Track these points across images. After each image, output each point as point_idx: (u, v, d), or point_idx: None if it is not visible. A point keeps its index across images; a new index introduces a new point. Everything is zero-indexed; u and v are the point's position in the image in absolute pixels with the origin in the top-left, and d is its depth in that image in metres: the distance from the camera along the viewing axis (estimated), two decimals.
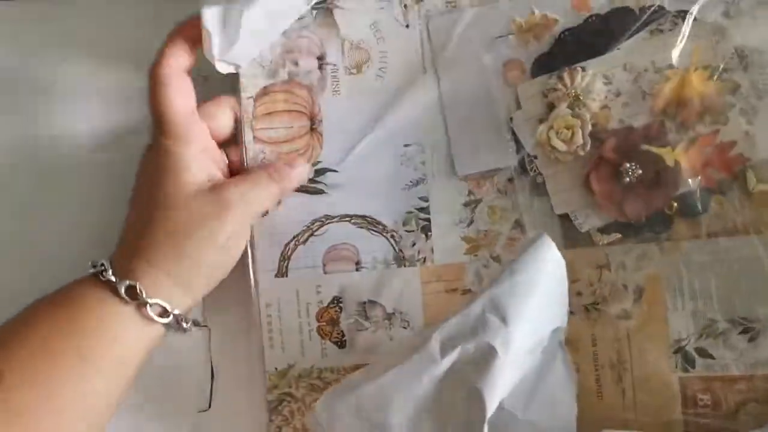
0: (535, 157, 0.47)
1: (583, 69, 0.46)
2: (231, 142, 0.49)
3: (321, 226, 0.49)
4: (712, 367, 0.45)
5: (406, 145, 0.49)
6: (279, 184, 0.46)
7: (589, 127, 0.46)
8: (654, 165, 0.45)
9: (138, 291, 0.41)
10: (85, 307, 0.41)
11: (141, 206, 0.44)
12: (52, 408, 0.39)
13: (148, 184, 0.44)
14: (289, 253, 0.49)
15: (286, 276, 0.49)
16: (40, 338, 0.40)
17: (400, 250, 0.49)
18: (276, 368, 0.49)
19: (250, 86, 0.49)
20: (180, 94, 0.44)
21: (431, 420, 0.39)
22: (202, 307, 0.49)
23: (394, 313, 0.48)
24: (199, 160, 0.44)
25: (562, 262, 0.41)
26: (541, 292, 0.40)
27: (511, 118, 0.47)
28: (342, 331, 0.49)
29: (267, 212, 0.48)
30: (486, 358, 0.39)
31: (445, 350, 0.39)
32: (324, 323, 0.49)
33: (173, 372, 0.49)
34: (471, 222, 0.48)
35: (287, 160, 0.48)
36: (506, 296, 0.39)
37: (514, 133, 0.47)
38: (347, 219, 0.49)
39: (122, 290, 0.41)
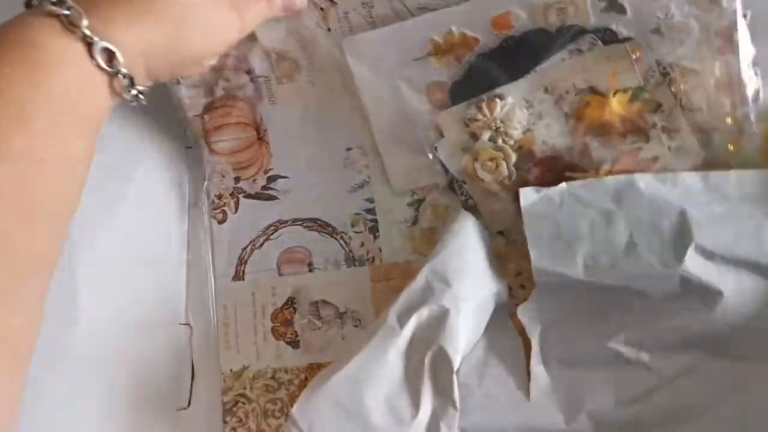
0: (464, 182, 0.48)
1: (501, 98, 0.45)
2: None
3: (275, 230, 0.51)
4: None
5: (348, 149, 0.50)
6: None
7: (513, 159, 0.46)
8: None
9: (83, 27, 0.33)
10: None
11: None
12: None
13: None
14: (245, 258, 0.51)
15: (243, 279, 0.51)
16: None
17: (350, 251, 0.50)
18: (231, 369, 0.51)
19: (192, 105, 0.51)
20: None
21: (405, 390, 0.42)
22: (185, 305, 0.51)
23: (345, 312, 0.50)
24: None
25: (481, 227, 0.45)
26: (471, 252, 0.44)
27: (435, 147, 0.48)
28: (296, 332, 0.50)
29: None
30: (440, 318, 0.42)
31: (402, 321, 0.42)
32: (278, 324, 0.51)
33: (152, 370, 0.49)
34: (416, 221, 0.49)
35: None
36: (444, 263, 0.43)
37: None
38: (299, 223, 0.51)
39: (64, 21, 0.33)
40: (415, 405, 0.42)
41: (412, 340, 0.42)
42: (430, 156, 0.48)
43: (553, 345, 0.44)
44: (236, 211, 0.52)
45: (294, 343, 0.50)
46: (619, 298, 0.42)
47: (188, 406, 0.50)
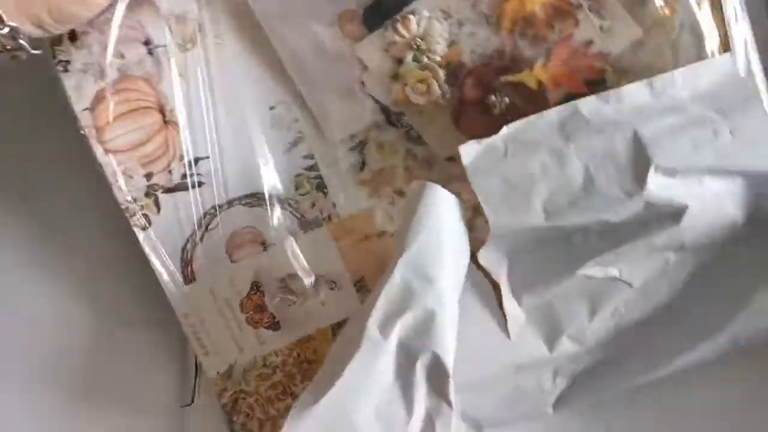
0: (401, 113, 0.45)
1: (415, 14, 0.42)
2: None
3: (212, 218, 0.46)
4: None
5: (271, 108, 0.45)
6: None
7: (443, 75, 0.44)
8: (519, 92, 0.43)
9: None
10: None
11: None
12: None
13: None
14: (188, 257, 0.46)
15: (195, 280, 0.46)
16: None
17: (302, 216, 0.47)
18: (218, 372, 0.47)
19: (80, 98, 0.43)
20: None
21: (397, 398, 0.38)
22: None
23: (317, 279, 0.47)
24: None
25: (454, 200, 0.40)
26: (448, 233, 0.39)
27: (362, 83, 0.44)
28: (271, 314, 0.47)
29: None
30: (427, 322, 0.38)
31: (385, 332, 0.37)
32: (251, 312, 0.47)
33: (155, 366, 0.49)
34: (363, 165, 0.47)
35: None
36: (420, 256, 0.38)
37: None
38: (237, 202, 0.46)
39: None
40: (408, 409, 0.38)
41: (400, 350, 0.38)
42: (360, 95, 0.45)
43: (521, 279, 0.42)
44: (159, 211, 0.45)
45: (274, 326, 0.47)
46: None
47: (192, 402, 0.48)
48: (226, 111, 0.45)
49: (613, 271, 0.42)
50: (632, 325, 0.44)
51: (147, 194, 0.45)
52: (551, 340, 0.44)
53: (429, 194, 0.39)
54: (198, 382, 0.48)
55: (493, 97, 0.44)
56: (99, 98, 0.43)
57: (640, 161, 0.39)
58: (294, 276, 0.47)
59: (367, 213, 0.47)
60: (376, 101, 0.45)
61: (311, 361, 0.47)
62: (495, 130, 0.40)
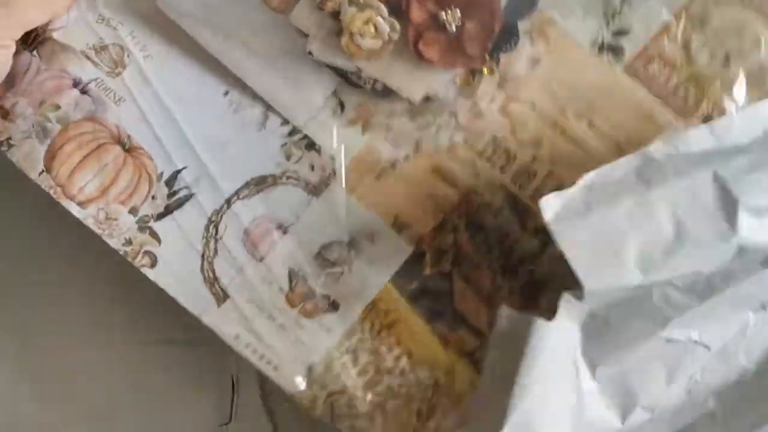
0: (359, 70, 0.41)
1: None
2: None
3: (217, 225, 0.41)
4: None
5: (225, 93, 0.43)
6: None
7: (385, 9, 0.40)
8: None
9: None
10: None
11: None
12: None
13: None
14: (211, 275, 0.41)
15: (227, 297, 0.41)
16: None
17: (306, 183, 0.42)
18: (302, 381, 0.40)
19: (32, 164, 0.40)
20: None
21: None
22: None
23: (351, 239, 0.42)
24: None
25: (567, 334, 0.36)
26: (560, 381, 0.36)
27: (309, 53, 0.41)
28: (324, 296, 0.41)
29: None
30: None
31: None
32: (302, 304, 0.41)
33: (191, 386, 0.46)
34: (342, 107, 0.43)
35: None
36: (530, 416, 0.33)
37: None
38: (235, 198, 0.42)
39: None
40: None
41: None
42: (311, 67, 0.42)
43: (596, 348, 0.37)
44: (160, 242, 0.41)
45: (332, 307, 0.41)
46: None
47: (230, 421, 0.47)
48: (182, 115, 0.42)
49: (694, 334, 0.37)
50: (707, 392, 0.39)
51: (140, 229, 0.41)
52: (625, 413, 0.38)
53: (538, 334, 0.34)
54: (236, 400, 0.46)
55: (443, 13, 0.40)
56: (50, 157, 0.40)
57: (727, 202, 0.36)
58: (328, 246, 0.42)
59: (369, 147, 0.43)
60: (330, 67, 0.42)
61: (389, 326, 0.41)
62: (459, 47, 0.39)
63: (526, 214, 0.41)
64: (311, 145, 0.42)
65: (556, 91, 0.41)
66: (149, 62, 0.42)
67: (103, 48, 0.41)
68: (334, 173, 0.42)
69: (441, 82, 0.41)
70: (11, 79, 0.40)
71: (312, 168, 0.43)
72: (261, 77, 0.42)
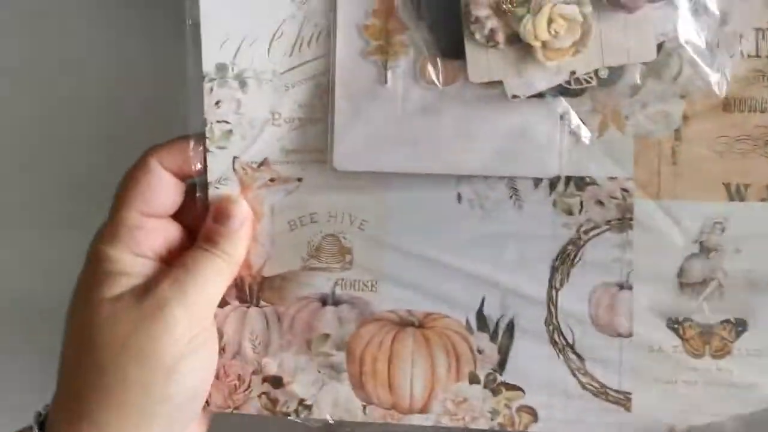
0: (573, 73, 0.33)
1: None
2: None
3: (559, 329, 0.34)
4: None
5: (458, 200, 0.35)
6: (223, 253, 0.33)
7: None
8: None
9: None
10: None
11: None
12: None
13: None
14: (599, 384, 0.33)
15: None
16: None
17: (608, 222, 0.34)
18: None
19: (346, 409, 0.35)
20: None
21: None
22: None
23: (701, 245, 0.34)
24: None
25: None
26: None
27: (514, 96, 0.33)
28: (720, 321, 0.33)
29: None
30: None
31: None
32: (706, 346, 0.33)
33: None
34: (581, 122, 0.35)
35: (216, 214, 0.34)
36: None
37: None
38: (554, 293, 0.34)
39: None
40: None
41: None
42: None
43: None
44: (525, 391, 0.34)
45: (739, 325, 0.33)
46: None
47: None
48: (435, 250, 0.35)
49: None
50: None
51: (494, 391, 0.34)
52: None
53: None
54: None
55: None
56: (359, 385, 0.35)
57: None
58: (683, 268, 0.34)
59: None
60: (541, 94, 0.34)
61: None
62: None
63: None
64: (582, 182, 0.34)
65: None
66: (369, 228, 0.35)
67: (319, 249, 0.35)
68: (630, 192, 0.34)
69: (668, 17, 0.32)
70: (264, 346, 0.34)
71: (601, 203, 0.34)
72: (486, 156, 0.34)
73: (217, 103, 0.34)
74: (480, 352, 0.35)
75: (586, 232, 0.35)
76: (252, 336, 0.35)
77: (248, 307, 0.35)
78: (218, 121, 0.35)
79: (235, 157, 0.35)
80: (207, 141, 0.34)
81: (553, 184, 0.35)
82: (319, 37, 0.34)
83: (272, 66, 0.34)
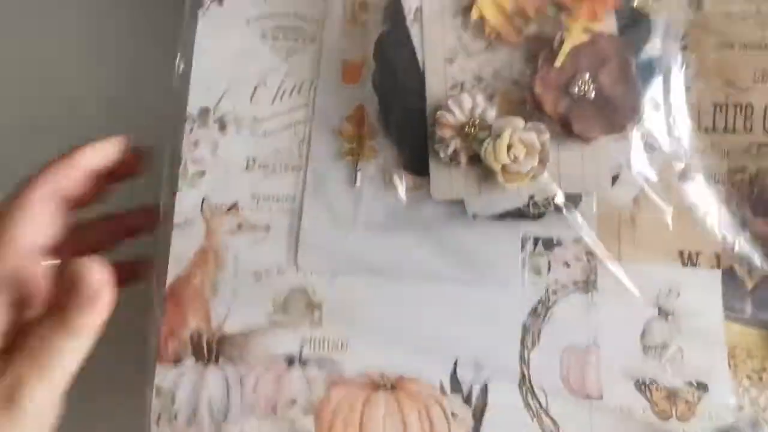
0: (532, 197, 0.35)
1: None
2: None
3: (529, 395, 0.33)
4: None
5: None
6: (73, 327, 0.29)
7: (518, 119, 0.33)
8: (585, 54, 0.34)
9: None
10: None
11: None
12: None
13: None
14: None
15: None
16: None
17: (575, 282, 0.35)
18: None
19: None
20: None
21: None
22: None
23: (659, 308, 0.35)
24: None
25: None
26: None
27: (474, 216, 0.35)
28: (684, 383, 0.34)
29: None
30: None
31: None
32: (672, 409, 0.34)
33: None
34: (535, 243, 0.36)
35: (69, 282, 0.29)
36: None
37: None
38: (526, 354, 0.34)
39: None
40: None
41: None
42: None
43: None
44: None
45: (701, 388, 0.34)
46: None
47: None
48: (406, 321, 0.34)
49: None
50: None
51: None
52: None
53: None
54: None
55: (575, 87, 0.34)
56: None
57: None
58: (645, 330, 0.34)
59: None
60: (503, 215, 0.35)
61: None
62: (608, 104, 0.33)
63: None
64: (549, 243, 0.35)
65: None
66: (339, 283, 0.34)
67: (286, 303, 0.33)
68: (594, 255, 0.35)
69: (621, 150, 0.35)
70: (223, 411, 0.31)
71: (568, 265, 0.35)
72: (448, 272, 0.34)
73: (195, 143, 0.33)
74: (454, 416, 0.33)
75: (554, 292, 0.35)
76: (210, 399, 0.32)
77: (206, 366, 0.32)
78: (193, 161, 0.33)
79: (204, 198, 0.33)
80: (179, 179, 0.32)
81: (522, 243, 0.35)
82: (301, 88, 0.34)
83: (253, 113, 0.34)
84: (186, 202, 0.33)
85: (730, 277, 0.36)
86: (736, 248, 0.35)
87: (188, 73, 0.33)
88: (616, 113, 0.34)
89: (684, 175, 0.36)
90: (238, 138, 0.34)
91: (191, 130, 0.33)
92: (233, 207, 0.33)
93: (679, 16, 0.35)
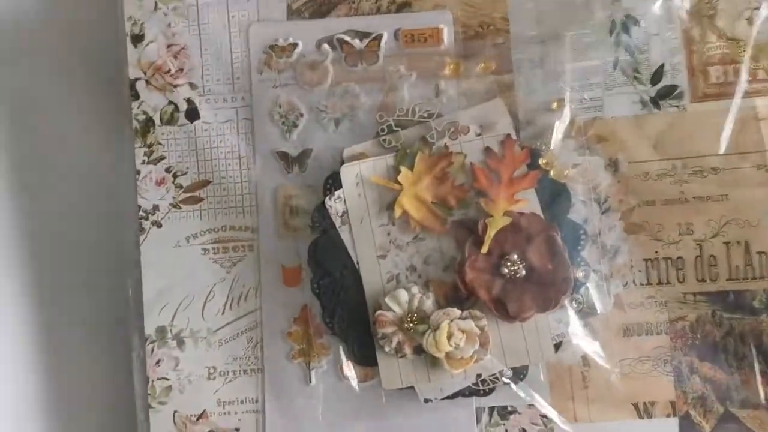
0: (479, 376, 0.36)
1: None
2: None
3: None
4: None
5: None
6: None
7: (454, 310, 0.35)
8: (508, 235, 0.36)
9: None
10: None
11: None
12: None
13: None
14: None
15: None
16: None
17: None
18: None
19: None
20: None
21: None
22: None
23: None
24: None
25: None
26: None
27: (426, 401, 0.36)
28: None
29: None
30: None
31: None
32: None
33: None
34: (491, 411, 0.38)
35: None
36: None
37: None
38: None
39: None
40: None
41: None
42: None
43: None
44: None
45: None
46: None
47: None
48: None
49: None
50: None
51: None
52: None
53: None
54: None
55: (504, 268, 0.36)
56: None
57: None
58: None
59: None
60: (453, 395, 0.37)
61: None
62: (544, 280, 0.35)
63: None
64: (504, 411, 0.37)
65: None
66: None
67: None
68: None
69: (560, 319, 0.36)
70: None
71: (524, 431, 0.37)
72: None
73: (158, 362, 0.36)
74: None
75: None
76: None
77: None
78: (159, 378, 0.36)
79: (175, 411, 0.36)
80: (149, 398, 0.36)
81: (477, 416, 0.37)
82: (248, 295, 0.37)
83: (206, 325, 0.37)
84: (160, 419, 0.36)
85: (687, 423, 0.36)
86: (689, 394, 0.36)
87: (139, 294, 0.37)
88: (550, 288, 0.35)
89: (628, 331, 0.37)
90: (196, 351, 0.37)
91: (152, 350, 0.37)
92: (202, 416, 0.36)
93: (598, 181, 0.37)
